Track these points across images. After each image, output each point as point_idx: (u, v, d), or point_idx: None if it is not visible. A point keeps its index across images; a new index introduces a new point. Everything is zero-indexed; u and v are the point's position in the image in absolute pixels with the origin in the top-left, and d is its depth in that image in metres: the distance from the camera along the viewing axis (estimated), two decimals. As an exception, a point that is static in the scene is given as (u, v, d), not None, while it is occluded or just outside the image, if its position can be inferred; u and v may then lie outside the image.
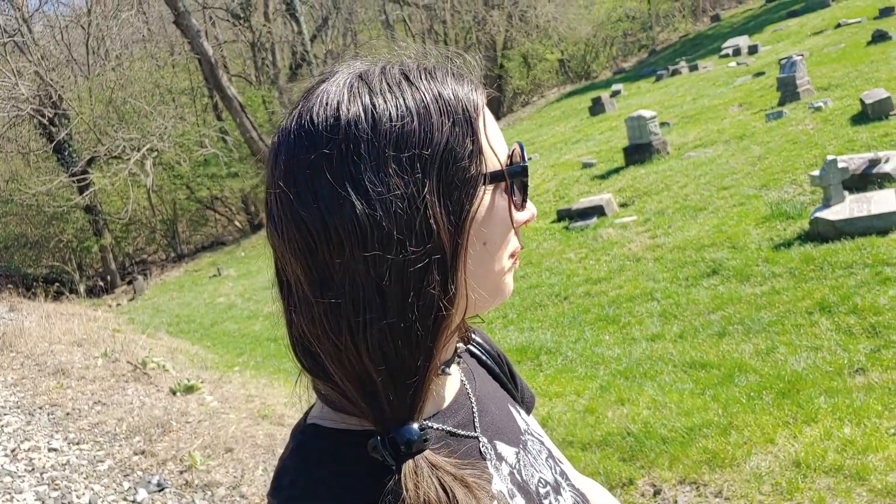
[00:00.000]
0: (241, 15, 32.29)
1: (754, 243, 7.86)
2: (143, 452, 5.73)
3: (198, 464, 5.39)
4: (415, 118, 0.77)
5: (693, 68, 23.31)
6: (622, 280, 8.35)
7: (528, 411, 1.17)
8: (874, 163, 8.29)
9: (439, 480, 0.75)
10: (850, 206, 7.39)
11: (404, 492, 0.74)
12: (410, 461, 0.76)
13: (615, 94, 23.83)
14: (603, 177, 13.30)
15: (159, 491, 5.06)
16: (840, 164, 7.57)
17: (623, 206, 11.34)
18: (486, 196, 0.82)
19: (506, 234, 0.85)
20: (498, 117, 32.74)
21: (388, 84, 0.79)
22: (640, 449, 4.53)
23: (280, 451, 4.81)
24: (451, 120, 0.79)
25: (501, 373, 1.12)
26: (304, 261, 0.77)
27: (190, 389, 7.52)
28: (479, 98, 0.83)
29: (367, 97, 0.78)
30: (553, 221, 11.79)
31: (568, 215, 11.55)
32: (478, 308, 0.87)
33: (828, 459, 3.88)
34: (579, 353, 6.69)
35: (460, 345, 1.02)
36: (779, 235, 7.83)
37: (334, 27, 37.04)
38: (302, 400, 0.89)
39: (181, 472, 5.36)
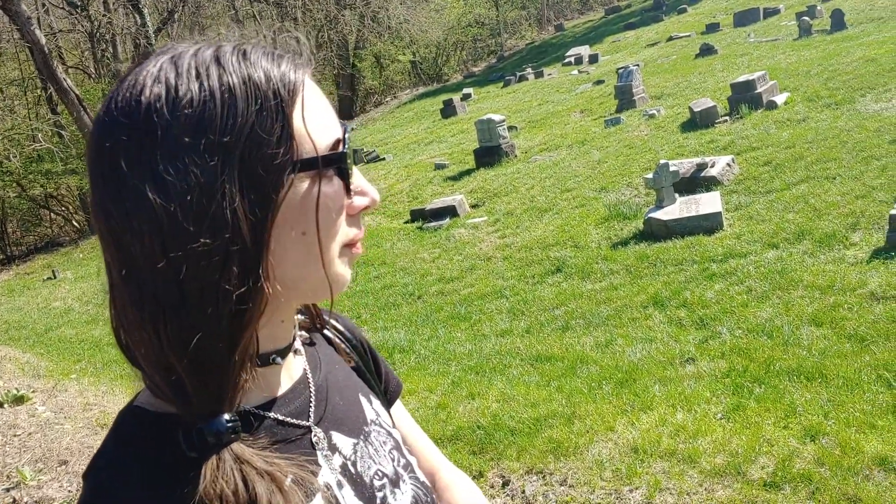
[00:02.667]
0: (78, 3, 30.43)
1: (594, 242, 8.24)
2: (-37, 470, 5.29)
3: (28, 479, 5.03)
4: (217, 102, 0.74)
5: (539, 75, 24.15)
6: (473, 279, 8.53)
7: (393, 400, 1.17)
8: (702, 167, 8.90)
9: (242, 474, 0.75)
10: (680, 208, 7.90)
11: (202, 487, 0.73)
12: (214, 456, 0.75)
13: (466, 97, 24.31)
14: (455, 178, 13.53)
15: (-17, 510, 4.69)
16: (671, 168, 8.08)
17: (474, 206, 11.59)
18: (300, 184, 0.78)
19: (331, 223, 0.81)
20: (350, 117, 32.59)
21: (196, 67, 0.76)
22: (489, 441, 4.64)
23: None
24: (259, 104, 0.75)
25: (363, 362, 1.11)
26: (112, 248, 0.75)
27: (20, 400, 7.01)
28: (297, 78, 0.79)
29: (172, 81, 0.75)
30: (407, 222, 11.87)
31: (421, 216, 11.67)
32: (309, 297, 0.87)
33: (662, 444, 4.13)
34: (432, 350, 6.77)
35: (303, 333, 1.01)
36: (616, 235, 8.26)
37: (181, 20, 35.62)
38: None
39: (8, 490, 4.98)
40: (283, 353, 0.89)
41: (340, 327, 1.12)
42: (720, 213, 7.58)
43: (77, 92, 27.35)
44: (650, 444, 4.15)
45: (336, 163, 0.80)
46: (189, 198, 0.72)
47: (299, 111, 0.78)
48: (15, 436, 5.96)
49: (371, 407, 1.04)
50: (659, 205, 8.07)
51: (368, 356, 1.14)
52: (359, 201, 0.84)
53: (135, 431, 0.82)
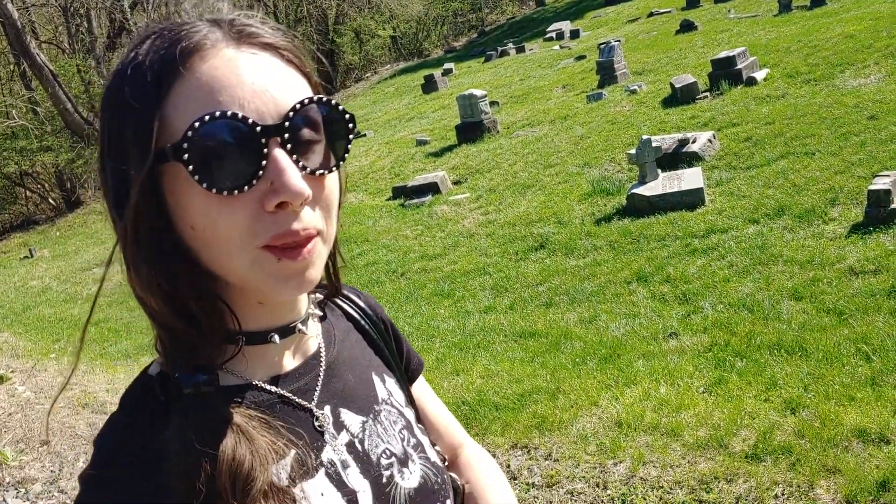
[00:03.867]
0: (50, -24, 29.85)
1: (578, 218, 8.27)
2: (-57, 451, 5.25)
3: (9, 460, 5.01)
4: (111, 81, 0.78)
5: (520, 50, 24.02)
6: (456, 255, 8.54)
7: (414, 378, 1.17)
8: (683, 143, 8.94)
9: (213, 424, 0.77)
10: (662, 183, 7.94)
11: (170, 428, 0.76)
12: (188, 402, 0.77)
13: (447, 72, 24.15)
14: (437, 154, 13.49)
15: (-36, 491, 4.66)
16: (654, 144, 8.11)
17: (457, 183, 11.57)
18: (167, 171, 0.75)
19: (207, 218, 0.75)
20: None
21: (126, 49, 0.80)
22: (474, 417, 4.68)
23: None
24: (130, 87, 0.75)
25: (383, 340, 1.11)
26: (109, 214, 0.81)
27: (-1, 380, 6.97)
28: (176, 57, 0.75)
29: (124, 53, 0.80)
30: (389, 199, 11.85)
31: (403, 193, 11.64)
32: (253, 295, 0.84)
33: (646, 418, 4.18)
34: (416, 327, 6.79)
35: (317, 311, 1.01)
36: (600, 210, 8.29)
37: (155, -6, 35.04)
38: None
39: (-10, 471, 4.97)
40: (284, 331, 0.89)
41: (362, 304, 1.12)
42: (702, 188, 7.63)
43: (51, 67, 26.91)
44: (634, 418, 4.20)
45: (179, 154, 0.73)
46: (105, 174, 0.79)
47: (176, 97, 0.75)
48: (-5, 416, 5.92)
49: (384, 386, 1.04)
50: (642, 180, 8.10)
51: (390, 335, 1.14)
52: (271, 198, 0.75)
53: (137, 394, 0.85)
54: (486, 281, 7.48)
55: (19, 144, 27.27)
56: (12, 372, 7.35)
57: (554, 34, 24.54)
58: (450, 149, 13.49)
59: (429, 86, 21.93)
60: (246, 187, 0.74)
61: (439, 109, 18.13)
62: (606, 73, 14.36)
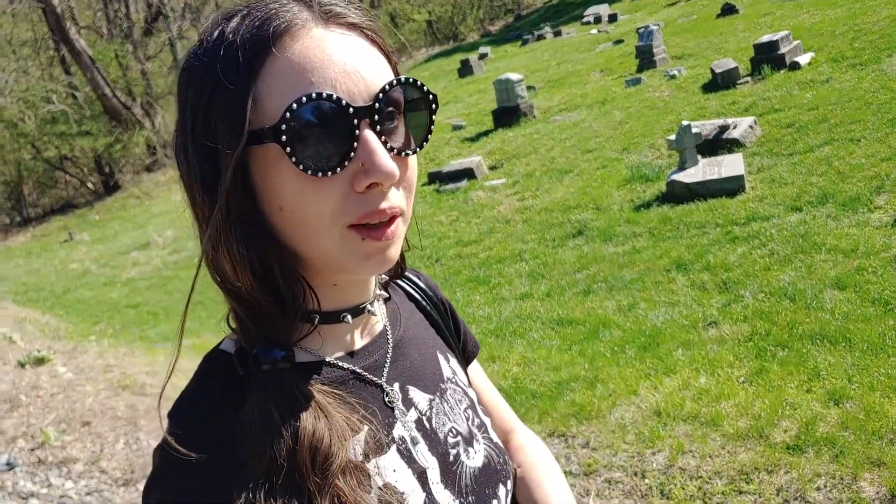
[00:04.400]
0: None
1: (616, 204, 8.19)
2: (-12, 430, 5.38)
3: (51, 440, 5.11)
4: (197, 64, 0.78)
5: (557, 34, 23.83)
6: (492, 242, 8.51)
7: (470, 360, 1.18)
8: (724, 129, 8.79)
9: (291, 399, 0.77)
10: (703, 170, 7.82)
11: (250, 402, 0.77)
12: (267, 376, 0.78)
13: (483, 56, 24.03)
14: (473, 139, 13.44)
15: (9, 470, 4.75)
16: (694, 130, 7.99)
17: (492, 168, 11.52)
18: (260, 153, 0.76)
19: (300, 198, 0.76)
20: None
21: (209, 26, 0.79)
22: (511, 405, 4.64)
23: (143, 422, 4.59)
24: (222, 65, 0.75)
25: (442, 321, 1.12)
26: (188, 193, 0.81)
27: (41, 361, 7.10)
28: (269, 36, 0.75)
29: (199, 35, 0.80)
30: (424, 184, 11.84)
31: (439, 178, 11.62)
32: (332, 275, 0.85)
33: (686, 408, 4.13)
34: (451, 313, 6.78)
35: (382, 292, 1.02)
36: (639, 197, 8.19)
37: (193, -21, 35.30)
38: (165, 372, 0.90)
39: (33, 450, 5.06)
40: (355, 311, 0.90)
41: (423, 285, 1.13)
42: (742, 175, 7.50)
43: (90, 53, 27.29)
44: (673, 407, 4.16)
45: (269, 137, 0.74)
46: (184, 160, 0.79)
47: (267, 78, 0.75)
48: (38, 396, 6.04)
49: (448, 365, 1.05)
50: (681, 167, 7.99)
51: (449, 315, 1.15)
52: (361, 179, 0.76)
53: (212, 369, 0.85)
54: (523, 267, 7.44)
55: (59, 129, 27.77)
56: (54, 353, 7.48)
57: (591, 18, 24.29)
58: (486, 134, 13.43)
59: (465, 70, 21.84)
60: (339, 168, 0.75)
61: (475, 94, 18.05)
62: (645, 58, 14.17)
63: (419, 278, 1.14)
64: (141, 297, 11.94)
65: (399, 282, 1.10)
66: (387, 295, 1.04)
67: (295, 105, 0.72)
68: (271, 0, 0.79)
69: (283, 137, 0.73)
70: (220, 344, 0.89)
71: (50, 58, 31.50)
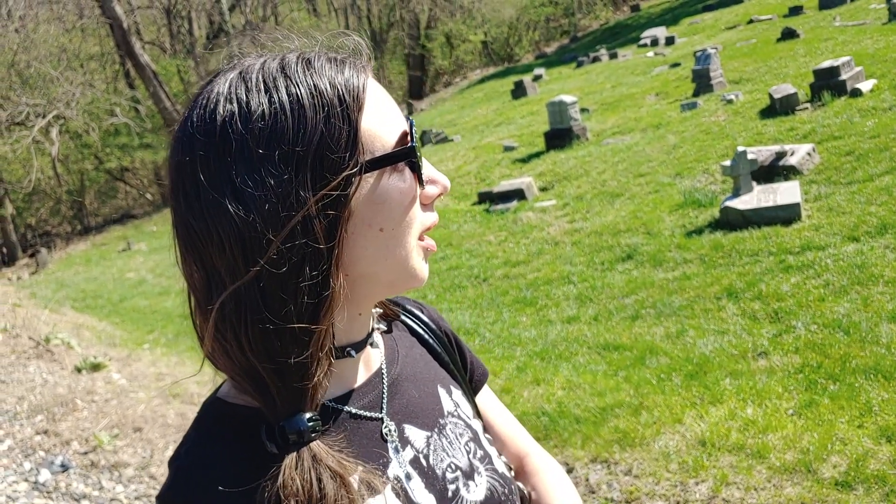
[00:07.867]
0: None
1: (668, 230, 8.10)
2: (45, 432, 5.53)
3: (104, 444, 5.24)
4: (288, 114, 0.77)
5: (613, 56, 23.74)
6: (540, 263, 8.49)
7: (479, 388, 1.19)
8: (780, 155, 8.64)
9: (317, 473, 0.77)
10: (757, 197, 7.69)
11: (280, 481, 0.76)
12: (294, 454, 0.78)
13: (537, 78, 24.06)
14: (524, 160, 13.44)
15: (63, 472, 4.88)
16: (749, 156, 7.87)
17: (543, 190, 11.50)
18: (371, 182, 0.81)
19: (405, 216, 0.84)
20: (420, 97, 32.63)
21: (263, 80, 0.79)
22: (553, 428, 4.64)
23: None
24: (326, 111, 0.78)
25: (447, 353, 1.13)
26: (194, 262, 0.80)
27: (96, 367, 7.29)
28: (360, 82, 0.82)
29: (243, 95, 0.78)
30: (474, 204, 11.87)
31: (489, 198, 11.64)
32: (387, 291, 0.89)
33: (731, 438, 4.06)
34: (497, 334, 6.78)
35: (381, 326, 1.04)
36: (691, 223, 8.10)
37: (254, -1, 36.12)
38: (215, 380, 0.91)
39: (86, 453, 5.20)
40: (359, 346, 0.92)
41: (426, 318, 1.14)
42: (798, 203, 7.35)
43: (153, 67, 28.07)
44: (718, 437, 4.09)
45: (405, 157, 0.83)
46: (266, 206, 0.75)
47: (365, 113, 0.81)
48: (92, 401, 6.20)
49: (450, 398, 1.06)
50: (736, 193, 7.87)
51: (453, 347, 1.15)
52: (430, 190, 0.87)
53: (217, 425, 0.86)
54: (571, 290, 7.40)
55: (121, 141, 28.56)
56: (109, 360, 7.67)
57: (648, 40, 24.16)
58: (537, 155, 13.42)
59: (518, 91, 21.89)
60: (426, 182, 0.87)
61: (528, 115, 18.06)
62: (702, 82, 14.02)
63: (422, 311, 1.15)
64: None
65: (401, 317, 1.12)
66: (385, 328, 1.05)
67: (406, 129, 0.84)
68: (337, 43, 0.88)
69: (404, 158, 0.83)
70: (218, 390, 0.91)
71: (115, 71, 32.54)
